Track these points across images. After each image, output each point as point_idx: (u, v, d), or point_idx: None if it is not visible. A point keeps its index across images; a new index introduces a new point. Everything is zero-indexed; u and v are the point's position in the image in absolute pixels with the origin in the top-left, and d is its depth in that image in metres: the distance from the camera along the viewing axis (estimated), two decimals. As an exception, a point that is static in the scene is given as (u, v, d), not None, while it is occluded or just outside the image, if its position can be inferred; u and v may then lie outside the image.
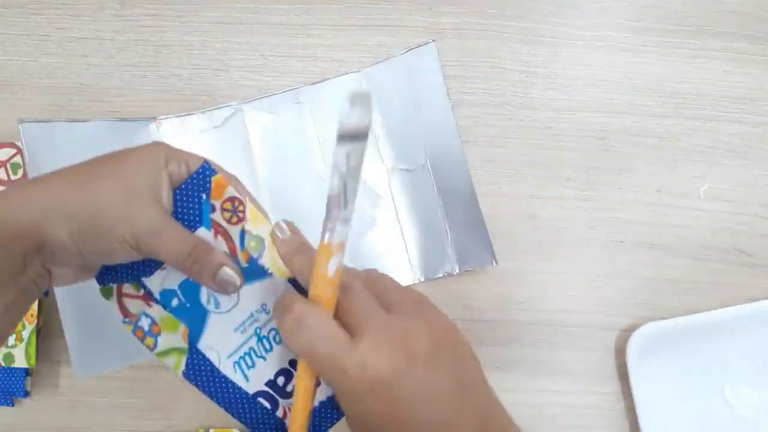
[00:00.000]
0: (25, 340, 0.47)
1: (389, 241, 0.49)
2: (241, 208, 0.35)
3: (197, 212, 0.34)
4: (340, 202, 0.30)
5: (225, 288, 0.33)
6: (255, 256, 0.35)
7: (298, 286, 0.35)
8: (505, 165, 0.51)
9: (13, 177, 0.49)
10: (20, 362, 0.47)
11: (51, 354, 0.48)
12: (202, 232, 0.34)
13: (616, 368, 0.49)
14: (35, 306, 0.47)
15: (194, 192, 0.34)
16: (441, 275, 0.49)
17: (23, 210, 0.30)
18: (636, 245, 0.50)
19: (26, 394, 0.47)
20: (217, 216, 0.34)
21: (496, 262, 0.48)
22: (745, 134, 0.52)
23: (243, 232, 0.35)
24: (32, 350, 0.47)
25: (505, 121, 0.51)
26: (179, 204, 0.34)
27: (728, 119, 0.52)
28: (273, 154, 0.49)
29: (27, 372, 0.47)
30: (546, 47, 0.52)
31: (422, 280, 0.49)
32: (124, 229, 0.31)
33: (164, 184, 0.33)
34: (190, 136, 0.49)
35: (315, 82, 0.50)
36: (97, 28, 0.51)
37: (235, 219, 0.35)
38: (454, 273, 0.49)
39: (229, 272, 0.33)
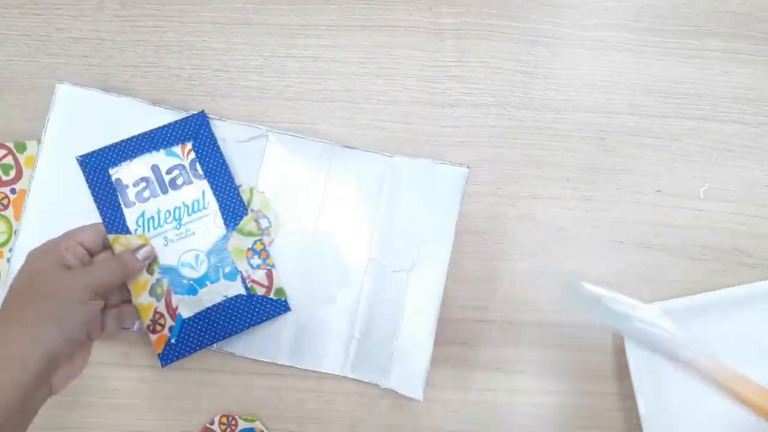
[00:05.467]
0: None
1: (338, 325, 0.48)
2: None
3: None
4: None
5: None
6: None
7: None
8: (505, 165, 0.51)
9: (4, 177, 0.49)
10: None
11: (51, 354, 0.48)
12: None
13: (616, 368, 0.49)
14: None
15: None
16: (367, 381, 0.48)
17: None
18: (636, 245, 0.50)
19: None
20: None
21: (422, 396, 0.47)
22: (745, 134, 0.52)
23: None
24: None
25: (505, 121, 0.51)
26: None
27: (728, 119, 0.52)
28: (276, 189, 0.49)
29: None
30: (546, 47, 0.52)
31: (350, 376, 0.48)
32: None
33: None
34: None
35: (345, 146, 0.49)
36: (97, 28, 0.51)
37: None
38: (381, 386, 0.47)
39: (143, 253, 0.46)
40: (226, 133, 0.49)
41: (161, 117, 0.49)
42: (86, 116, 0.49)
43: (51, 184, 0.48)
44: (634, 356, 0.47)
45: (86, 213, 0.47)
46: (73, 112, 0.49)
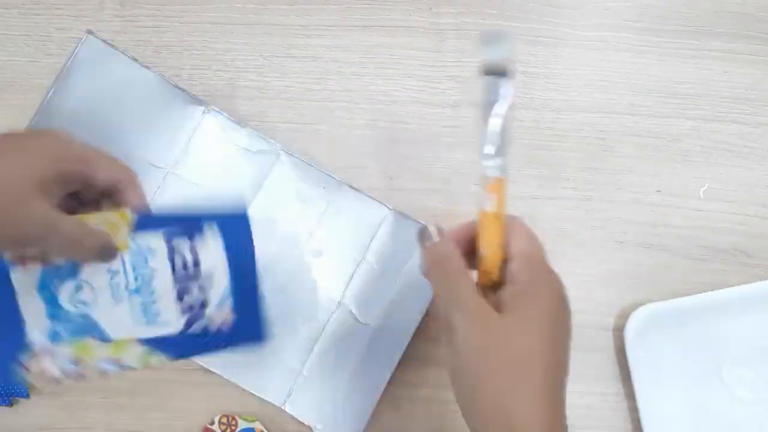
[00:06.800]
0: None
1: (290, 357, 0.47)
2: None
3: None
4: (489, 138, 0.32)
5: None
6: None
7: None
8: (505, 165, 0.51)
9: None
10: None
11: (51, 354, 0.48)
12: None
13: (617, 368, 0.49)
14: None
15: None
16: (301, 420, 0.47)
17: None
18: (636, 245, 0.50)
19: (27, 394, 0.47)
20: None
21: None
22: (745, 134, 0.52)
23: None
24: None
25: (505, 121, 0.51)
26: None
27: (728, 119, 0.52)
28: (273, 208, 0.48)
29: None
30: (546, 47, 0.52)
31: (287, 410, 0.47)
32: (10, 231, 0.33)
33: (51, 182, 0.33)
34: (224, 140, 0.49)
35: (352, 187, 0.48)
36: (97, 28, 0.51)
37: None
38: (314, 430, 0.47)
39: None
40: (240, 138, 0.49)
41: (173, 100, 0.48)
42: (105, 80, 0.47)
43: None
44: (634, 356, 0.47)
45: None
46: (92, 72, 0.47)
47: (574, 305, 0.50)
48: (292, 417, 0.48)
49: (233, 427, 0.48)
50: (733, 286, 0.48)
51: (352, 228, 0.49)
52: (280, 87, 0.51)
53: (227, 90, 0.51)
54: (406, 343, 0.47)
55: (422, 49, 0.52)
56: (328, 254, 0.48)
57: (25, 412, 0.48)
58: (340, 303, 0.48)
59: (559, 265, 0.50)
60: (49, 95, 0.46)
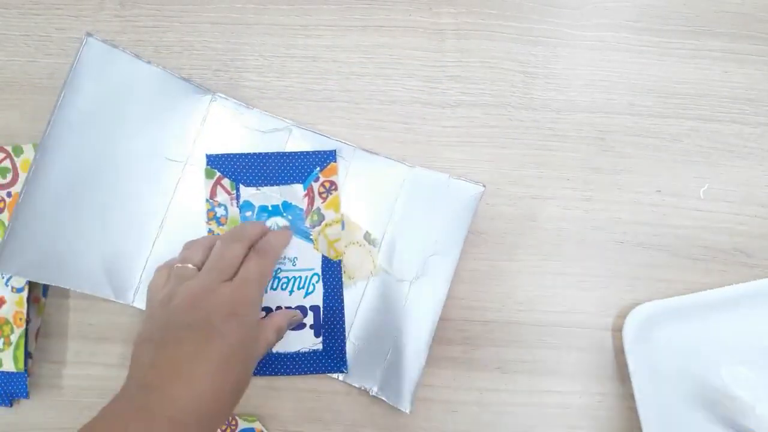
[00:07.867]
0: (14, 344, 0.47)
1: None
2: (333, 190, 0.49)
3: (305, 175, 0.48)
4: None
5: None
6: (307, 225, 0.48)
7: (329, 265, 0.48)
8: (505, 165, 0.51)
9: (1, 181, 0.49)
10: (8, 366, 0.47)
11: (51, 354, 0.48)
12: (297, 188, 0.48)
13: (616, 368, 0.49)
14: (24, 309, 0.46)
15: (313, 163, 0.48)
16: (357, 386, 0.48)
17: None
18: (636, 245, 0.50)
19: (27, 394, 0.47)
20: (315, 185, 0.48)
21: (411, 408, 0.47)
22: (745, 134, 0.52)
23: (318, 207, 0.48)
24: (20, 354, 0.46)
25: (505, 121, 0.51)
26: (299, 161, 0.48)
27: (728, 119, 0.52)
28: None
29: (27, 373, 0.47)
30: (546, 47, 0.52)
31: (340, 379, 0.48)
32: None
33: None
34: (235, 125, 0.49)
35: (369, 151, 0.49)
36: (97, 28, 0.51)
37: (323, 195, 0.48)
38: (371, 392, 0.47)
39: None
40: (250, 120, 0.49)
41: (179, 92, 0.48)
42: (111, 81, 0.47)
43: (62, 154, 0.45)
44: (634, 356, 0.47)
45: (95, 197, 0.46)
46: (97, 74, 0.46)
47: (574, 305, 0.50)
48: (293, 418, 0.48)
49: (233, 427, 0.48)
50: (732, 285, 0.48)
51: (375, 190, 0.49)
52: (280, 87, 0.51)
53: (227, 90, 0.51)
54: (445, 293, 0.48)
55: (422, 49, 0.52)
56: (356, 218, 0.49)
57: (25, 412, 0.48)
58: (374, 264, 0.48)
59: (559, 264, 0.50)
60: (59, 102, 0.45)
